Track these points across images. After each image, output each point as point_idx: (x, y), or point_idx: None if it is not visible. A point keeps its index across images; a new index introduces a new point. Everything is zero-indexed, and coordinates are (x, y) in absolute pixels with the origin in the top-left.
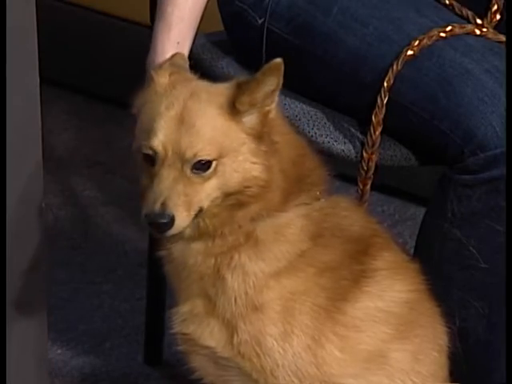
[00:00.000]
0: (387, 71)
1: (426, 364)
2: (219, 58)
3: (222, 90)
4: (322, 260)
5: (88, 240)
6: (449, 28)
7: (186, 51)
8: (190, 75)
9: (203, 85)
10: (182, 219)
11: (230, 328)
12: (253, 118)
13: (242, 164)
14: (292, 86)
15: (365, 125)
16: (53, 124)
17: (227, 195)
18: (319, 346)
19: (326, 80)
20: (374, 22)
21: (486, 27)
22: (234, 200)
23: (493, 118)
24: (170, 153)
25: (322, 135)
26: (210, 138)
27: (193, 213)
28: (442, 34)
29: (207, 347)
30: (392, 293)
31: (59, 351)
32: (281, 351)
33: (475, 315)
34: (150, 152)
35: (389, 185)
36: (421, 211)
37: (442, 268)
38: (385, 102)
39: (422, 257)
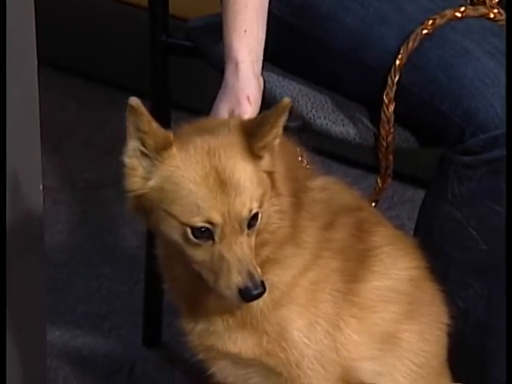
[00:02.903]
0: (398, 49)
1: (431, 343)
2: (218, 40)
3: (233, 138)
4: (333, 239)
5: (86, 222)
6: (462, 8)
7: (255, 40)
8: (177, 131)
9: (211, 140)
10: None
11: (257, 334)
12: (267, 158)
13: (267, 203)
14: (292, 68)
15: (366, 106)
16: (51, 106)
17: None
18: (338, 330)
19: (325, 61)
20: (373, 3)
21: (499, 11)
22: (256, 241)
23: (494, 99)
24: (227, 220)
25: (320, 117)
26: (253, 190)
27: None
28: (458, 14)
29: (231, 354)
30: (396, 270)
31: (58, 333)
32: (306, 342)
33: (474, 296)
34: (208, 225)
35: None
36: (419, 193)
37: (442, 249)
38: (395, 80)
39: (422, 238)
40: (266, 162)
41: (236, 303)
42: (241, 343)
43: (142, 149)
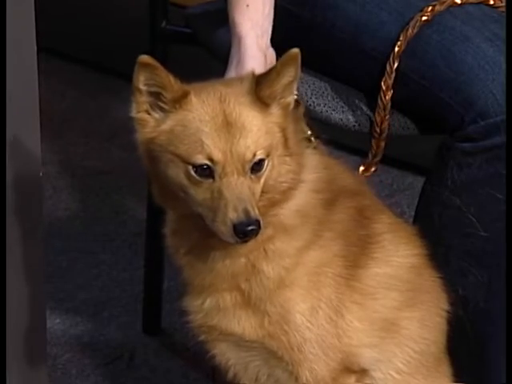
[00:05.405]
0: (398, 36)
1: (431, 330)
2: (217, 27)
3: (244, 87)
4: (334, 220)
5: (86, 209)
6: None
7: (259, 14)
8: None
9: (223, 89)
10: (262, 222)
11: (260, 313)
12: (277, 111)
13: (278, 159)
14: None
15: (365, 93)
16: (51, 94)
17: (262, 194)
18: (340, 316)
19: (326, 49)
20: None
21: None
22: (266, 200)
23: (493, 85)
24: (229, 159)
25: (320, 104)
26: (260, 136)
27: None
28: (457, 1)
29: (234, 334)
30: (397, 258)
31: (58, 320)
32: (308, 325)
33: (474, 283)
34: (209, 163)
35: (386, 154)
36: (419, 181)
37: (442, 236)
38: (394, 67)
39: (422, 225)
40: (275, 113)
41: (231, 241)
42: (244, 322)
43: (158, 103)
